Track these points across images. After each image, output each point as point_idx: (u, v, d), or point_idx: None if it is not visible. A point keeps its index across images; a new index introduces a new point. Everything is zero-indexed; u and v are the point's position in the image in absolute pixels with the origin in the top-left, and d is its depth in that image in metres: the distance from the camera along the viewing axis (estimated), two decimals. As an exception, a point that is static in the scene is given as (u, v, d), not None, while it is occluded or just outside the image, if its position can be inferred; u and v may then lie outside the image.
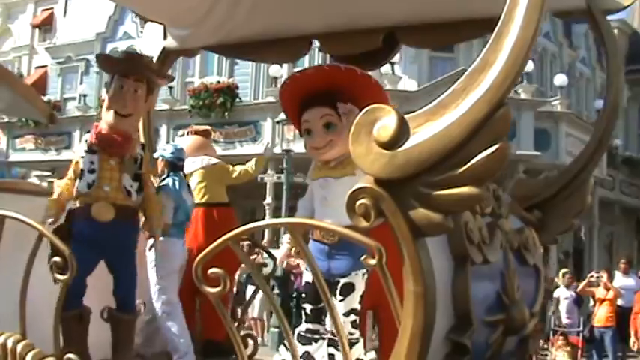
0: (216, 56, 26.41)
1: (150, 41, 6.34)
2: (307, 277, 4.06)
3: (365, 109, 2.64)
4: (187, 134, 6.05)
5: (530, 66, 22.06)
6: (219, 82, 24.97)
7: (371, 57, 5.03)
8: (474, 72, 2.58)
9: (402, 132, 2.57)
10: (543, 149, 22.29)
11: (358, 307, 3.97)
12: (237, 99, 24.99)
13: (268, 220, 4.43)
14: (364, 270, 3.95)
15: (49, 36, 33.26)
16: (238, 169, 5.98)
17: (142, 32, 28.20)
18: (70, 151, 28.01)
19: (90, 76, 30.23)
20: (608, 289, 14.82)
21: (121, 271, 4.73)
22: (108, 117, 4.76)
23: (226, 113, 24.43)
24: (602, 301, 14.94)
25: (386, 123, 2.57)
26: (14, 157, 29.32)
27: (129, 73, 4.80)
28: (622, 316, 14.67)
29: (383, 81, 20.97)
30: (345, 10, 4.81)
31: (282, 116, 20.09)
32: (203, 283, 3.15)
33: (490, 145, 2.52)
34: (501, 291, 3.30)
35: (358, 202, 2.63)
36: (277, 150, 21.51)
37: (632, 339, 14.31)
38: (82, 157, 4.74)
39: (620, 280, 15.65)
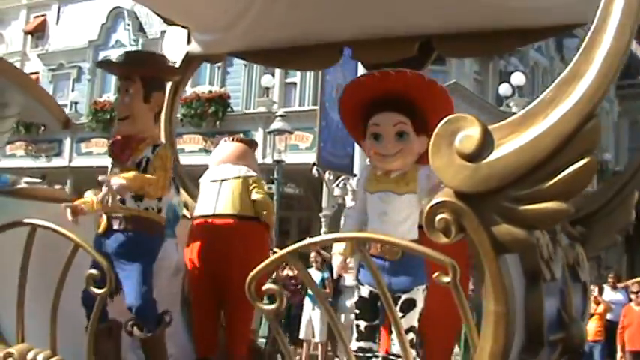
0: (208, 65, 26.30)
1: (171, 46, 6.05)
2: (363, 292, 3.85)
3: (446, 119, 2.50)
4: (232, 140, 5.71)
5: (521, 79, 22.39)
6: (211, 91, 24.82)
7: (404, 65, 4.81)
8: (562, 82, 2.44)
9: (487, 143, 2.44)
10: (533, 161, 21.78)
11: (416, 324, 3.78)
12: (229, 109, 24.82)
13: (332, 235, 4.06)
14: (424, 285, 3.79)
15: (42, 42, 32.91)
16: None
17: (134, 40, 28.18)
18: (60, 158, 27.83)
19: (82, 83, 29.99)
20: (598, 304, 14.68)
21: (124, 283, 4.40)
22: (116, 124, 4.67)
23: (218, 123, 24.27)
24: (591, 315, 14.82)
25: (469, 134, 2.44)
26: (4, 163, 28.86)
27: (119, 74, 4.62)
28: (611, 330, 14.57)
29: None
30: (380, 17, 4.65)
31: (273, 126, 20.27)
32: (257, 300, 3.00)
33: (579, 158, 2.39)
34: (562, 308, 3.19)
35: (438, 217, 2.50)
36: (268, 160, 21.30)
37: (619, 353, 14.21)
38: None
39: (609, 294, 15.54)
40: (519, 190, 2.43)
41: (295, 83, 25.26)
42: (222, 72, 25.99)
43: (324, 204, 22.17)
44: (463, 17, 4.52)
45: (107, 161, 4.60)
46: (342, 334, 2.98)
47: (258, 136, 23.56)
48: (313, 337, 13.64)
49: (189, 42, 5.43)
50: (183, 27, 5.36)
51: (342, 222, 3.91)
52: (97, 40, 29.26)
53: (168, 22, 5.37)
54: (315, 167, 20.26)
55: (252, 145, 5.56)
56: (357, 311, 3.87)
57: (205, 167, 5.37)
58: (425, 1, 4.42)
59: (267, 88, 24.50)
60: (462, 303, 2.64)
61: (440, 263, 2.68)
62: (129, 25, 28.64)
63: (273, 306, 2.94)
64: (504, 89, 22.73)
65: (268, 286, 2.93)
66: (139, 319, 4.39)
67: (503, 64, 25.29)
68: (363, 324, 3.82)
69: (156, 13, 5.36)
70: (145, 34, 28.49)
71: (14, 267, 4.07)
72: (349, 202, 18.17)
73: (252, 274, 3.01)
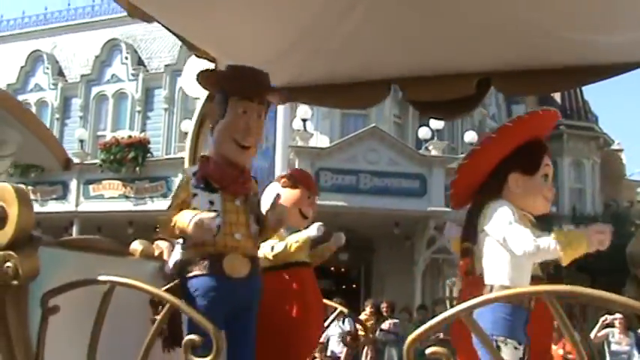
0: (128, 110, 25.97)
1: (189, 80, 5.27)
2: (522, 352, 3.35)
3: None
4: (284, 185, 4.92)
5: (440, 123, 21.72)
6: (130, 136, 23.83)
7: (457, 104, 4.53)
8: None
9: None
10: (454, 205, 21.55)
11: None
12: (149, 154, 23.90)
13: (527, 288, 3.17)
14: None
15: (-41, 86, 31.43)
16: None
17: (54, 84, 27.19)
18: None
19: (-1, 125, 28.40)
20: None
21: (245, 339, 3.80)
22: (225, 148, 3.91)
23: (137, 168, 23.17)
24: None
25: None
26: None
27: (253, 94, 3.92)
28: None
29: (295, 137, 20.76)
30: (437, 54, 4.28)
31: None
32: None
33: None
34: None
35: None
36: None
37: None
38: (194, 195, 3.82)
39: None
40: None
41: (217, 128, 24.35)
42: (142, 116, 25.48)
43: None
44: (528, 53, 4.20)
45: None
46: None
47: (178, 181, 22.59)
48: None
49: (215, 76, 4.85)
50: (210, 60, 4.76)
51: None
52: (16, 83, 27.79)
53: (195, 52, 4.76)
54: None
55: (289, 183, 4.85)
56: None
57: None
58: (486, 38, 4.09)
59: (188, 133, 23.33)
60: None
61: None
62: (48, 68, 27.55)
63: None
64: (424, 133, 22.36)
65: (434, 349, 2.46)
66: None
67: (425, 108, 24.69)
68: None
69: (183, 41, 4.70)
70: (64, 78, 27.45)
71: (65, 331, 3.36)
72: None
73: (412, 336, 2.61)
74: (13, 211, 3.11)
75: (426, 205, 20.54)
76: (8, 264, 3.08)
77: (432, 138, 21.97)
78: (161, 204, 21.68)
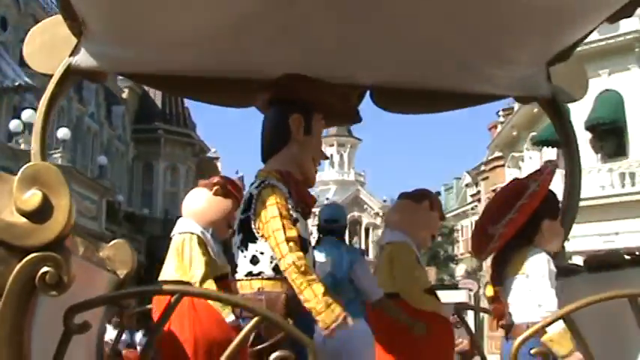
0: None
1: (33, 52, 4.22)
2: None
3: None
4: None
5: (32, 116, 20.72)
6: None
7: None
8: None
9: None
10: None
11: None
12: None
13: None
14: None
15: None
16: None
17: None
18: None
19: None
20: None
21: None
22: (308, 168, 3.83)
23: None
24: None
25: None
26: None
27: (331, 111, 4.01)
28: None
29: None
30: (332, 57, 4.24)
31: None
32: None
33: None
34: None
35: None
36: None
37: None
38: (296, 220, 3.55)
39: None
40: None
41: None
42: None
43: None
44: (414, 71, 4.51)
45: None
46: None
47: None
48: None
49: (75, 52, 4.33)
50: (74, 32, 4.19)
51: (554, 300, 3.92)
52: None
53: (63, 12, 4.02)
54: None
55: (221, 192, 5.21)
56: None
57: None
58: (380, 49, 4.16)
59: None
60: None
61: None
62: None
63: None
64: (15, 125, 22.80)
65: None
66: None
67: (18, 100, 25.00)
68: None
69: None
70: None
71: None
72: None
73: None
74: (59, 202, 2.53)
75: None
76: (46, 269, 2.49)
77: (24, 131, 22.47)
78: None
